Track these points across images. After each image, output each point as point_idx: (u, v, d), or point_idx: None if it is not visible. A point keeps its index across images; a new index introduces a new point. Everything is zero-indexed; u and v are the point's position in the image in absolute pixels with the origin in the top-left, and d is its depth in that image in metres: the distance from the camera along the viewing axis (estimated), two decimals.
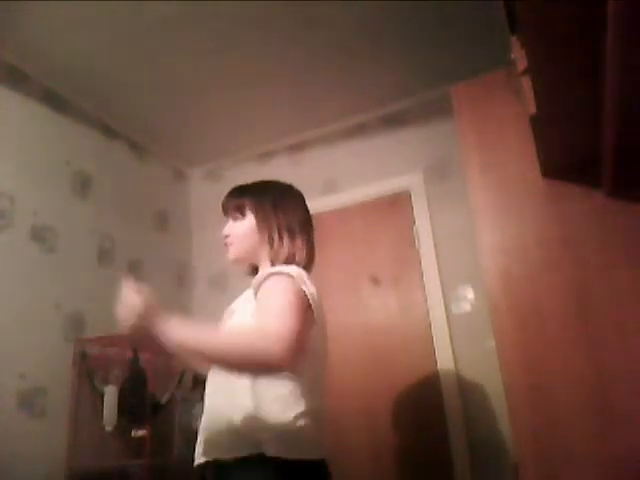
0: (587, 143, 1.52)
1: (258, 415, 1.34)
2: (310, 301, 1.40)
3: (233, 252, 1.65)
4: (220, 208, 1.70)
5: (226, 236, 1.66)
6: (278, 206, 1.61)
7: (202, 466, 1.41)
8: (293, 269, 1.43)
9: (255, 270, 1.64)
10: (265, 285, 1.40)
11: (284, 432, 1.34)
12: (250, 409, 1.35)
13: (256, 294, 1.43)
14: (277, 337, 1.20)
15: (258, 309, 1.38)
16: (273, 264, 1.53)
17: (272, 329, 1.22)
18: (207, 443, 1.42)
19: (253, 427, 1.33)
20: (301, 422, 1.36)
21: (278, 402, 1.36)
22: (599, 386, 1.53)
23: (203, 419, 1.47)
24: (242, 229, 1.63)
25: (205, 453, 1.41)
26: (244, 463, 1.31)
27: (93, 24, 2.51)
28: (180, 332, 1.23)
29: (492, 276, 1.77)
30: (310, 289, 1.41)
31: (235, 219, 1.65)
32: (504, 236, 1.79)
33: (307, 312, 1.38)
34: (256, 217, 1.61)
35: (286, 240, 1.56)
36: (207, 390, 1.50)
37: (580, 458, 1.51)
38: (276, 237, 1.57)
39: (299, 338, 1.25)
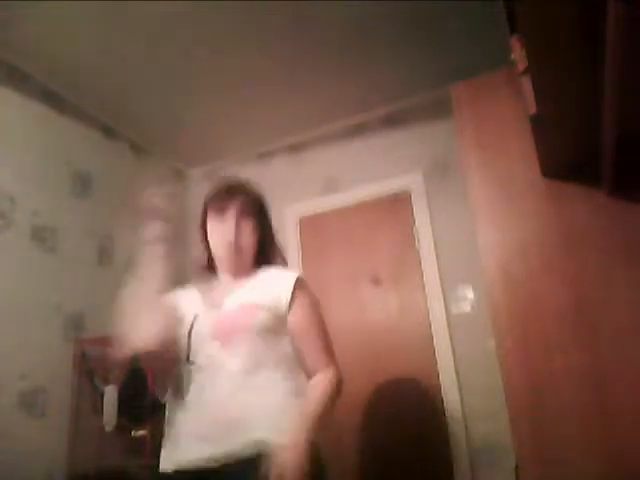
0: (587, 143, 1.51)
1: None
2: None
3: (237, 256, 1.53)
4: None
5: (233, 230, 1.52)
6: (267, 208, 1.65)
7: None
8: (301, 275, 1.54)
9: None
10: (301, 298, 1.49)
11: None
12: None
13: (289, 298, 1.46)
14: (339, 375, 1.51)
15: (312, 334, 1.48)
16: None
17: (336, 372, 1.50)
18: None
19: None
20: None
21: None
22: (599, 386, 1.53)
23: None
24: (251, 235, 1.55)
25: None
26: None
27: (93, 24, 2.51)
28: (315, 418, 1.36)
29: (492, 276, 1.76)
30: None
31: (242, 218, 1.54)
32: (504, 236, 1.79)
33: None
34: (262, 221, 1.59)
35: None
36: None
37: (581, 457, 1.51)
38: (272, 241, 1.62)
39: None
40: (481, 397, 2.70)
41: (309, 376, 1.47)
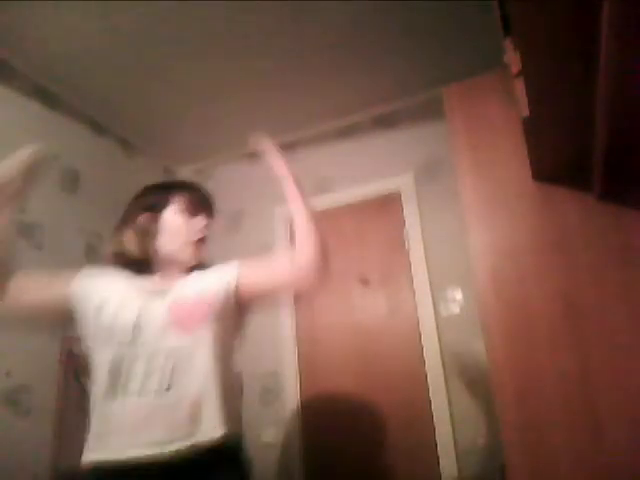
0: (578, 146, 1.52)
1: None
2: None
3: (201, 256, 1.57)
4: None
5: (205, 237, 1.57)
6: None
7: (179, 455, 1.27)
8: None
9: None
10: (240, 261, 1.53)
11: None
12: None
13: (235, 273, 1.48)
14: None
15: (265, 261, 1.52)
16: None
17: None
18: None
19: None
20: None
21: None
22: (587, 388, 1.54)
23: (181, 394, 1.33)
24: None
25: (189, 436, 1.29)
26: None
27: (84, 21, 2.49)
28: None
29: (482, 278, 1.77)
30: None
31: (207, 222, 1.58)
32: (494, 238, 1.79)
33: None
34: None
35: None
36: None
37: (568, 459, 1.51)
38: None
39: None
40: (469, 399, 2.71)
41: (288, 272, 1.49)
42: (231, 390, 1.42)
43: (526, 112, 1.38)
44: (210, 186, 3.66)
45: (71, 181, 2.96)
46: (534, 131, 1.49)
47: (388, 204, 3.22)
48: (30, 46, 2.63)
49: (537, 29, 1.10)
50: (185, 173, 3.87)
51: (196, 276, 1.50)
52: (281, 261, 1.54)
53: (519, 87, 1.35)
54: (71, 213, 2.91)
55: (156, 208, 1.54)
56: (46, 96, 2.90)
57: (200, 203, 1.58)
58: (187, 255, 1.52)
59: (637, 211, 1.60)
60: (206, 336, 1.37)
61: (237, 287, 1.45)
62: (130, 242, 1.50)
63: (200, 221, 1.55)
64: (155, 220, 1.52)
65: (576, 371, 1.57)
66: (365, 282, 3.14)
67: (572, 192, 1.71)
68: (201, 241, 1.54)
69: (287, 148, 3.60)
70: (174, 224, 1.52)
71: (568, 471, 1.51)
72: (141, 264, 1.49)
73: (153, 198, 1.57)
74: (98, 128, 3.25)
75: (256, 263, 1.52)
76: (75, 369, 2.63)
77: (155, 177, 3.68)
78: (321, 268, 1.46)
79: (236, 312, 1.47)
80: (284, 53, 2.83)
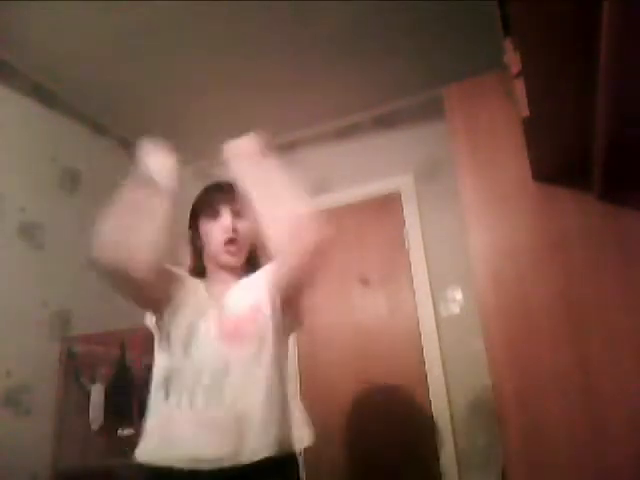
0: (578, 146, 1.52)
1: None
2: None
3: (240, 257, 1.53)
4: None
5: (234, 230, 1.50)
6: None
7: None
8: None
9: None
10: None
11: None
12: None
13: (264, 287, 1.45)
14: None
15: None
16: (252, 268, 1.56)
17: None
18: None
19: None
20: None
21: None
22: (587, 388, 1.54)
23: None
24: (248, 231, 1.53)
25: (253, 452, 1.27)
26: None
27: (83, 20, 2.49)
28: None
29: (482, 278, 1.77)
30: None
31: (238, 216, 1.53)
32: (494, 238, 1.79)
33: None
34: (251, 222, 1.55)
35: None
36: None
37: (568, 458, 1.51)
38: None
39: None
40: (469, 399, 2.71)
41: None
42: (288, 402, 1.38)
43: (526, 112, 1.38)
44: None
45: (71, 181, 2.96)
46: (534, 131, 1.49)
47: (388, 204, 3.22)
48: (30, 46, 2.63)
49: (537, 29, 1.10)
50: (185, 173, 3.86)
51: (244, 284, 1.50)
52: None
53: (519, 87, 1.34)
54: (71, 213, 2.91)
55: (192, 222, 1.60)
56: (45, 96, 2.90)
57: (218, 201, 1.56)
58: (225, 259, 1.51)
59: (637, 211, 1.60)
60: (253, 352, 1.36)
61: (274, 287, 1.42)
62: (185, 256, 1.59)
63: (224, 220, 1.52)
64: (196, 233, 1.58)
65: (576, 371, 1.56)
66: (365, 282, 3.14)
67: (572, 192, 1.71)
68: (231, 242, 1.50)
69: (287, 148, 3.62)
70: (204, 232, 1.55)
71: (568, 471, 1.51)
72: (200, 273, 1.56)
73: (192, 210, 1.63)
74: (97, 128, 3.25)
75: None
76: (75, 369, 2.63)
77: None
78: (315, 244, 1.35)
79: (283, 315, 1.44)
80: (284, 53, 2.83)
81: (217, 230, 1.52)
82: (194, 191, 1.68)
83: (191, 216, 1.62)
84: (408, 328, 2.95)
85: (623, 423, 1.48)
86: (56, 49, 2.67)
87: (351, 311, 3.12)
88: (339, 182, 3.38)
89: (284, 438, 1.31)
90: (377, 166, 3.31)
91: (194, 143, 3.63)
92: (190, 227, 1.61)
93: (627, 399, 1.49)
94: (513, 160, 1.81)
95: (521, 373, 1.63)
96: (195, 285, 1.51)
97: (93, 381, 2.60)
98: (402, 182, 3.21)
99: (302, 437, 1.36)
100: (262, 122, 3.45)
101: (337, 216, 3.31)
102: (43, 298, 2.64)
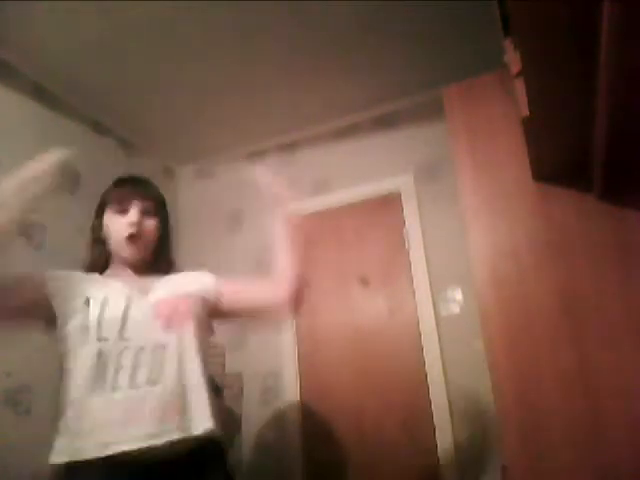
0: (578, 146, 1.52)
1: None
2: None
3: (141, 253, 1.53)
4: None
5: (137, 224, 1.50)
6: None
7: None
8: None
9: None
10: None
11: None
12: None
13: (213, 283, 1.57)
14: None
15: (248, 282, 1.62)
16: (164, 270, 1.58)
17: None
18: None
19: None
20: None
21: None
22: (587, 387, 1.54)
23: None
24: (154, 229, 1.55)
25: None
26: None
27: (83, 21, 2.48)
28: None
29: (482, 278, 1.77)
30: None
31: (146, 214, 1.53)
32: (494, 238, 1.79)
33: None
34: (162, 221, 1.59)
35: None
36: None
37: (568, 458, 1.51)
38: (170, 246, 1.64)
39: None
40: (469, 399, 2.71)
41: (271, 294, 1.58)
42: (211, 390, 1.43)
43: (526, 112, 1.39)
44: (210, 186, 3.69)
45: (71, 181, 2.96)
46: (534, 131, 1.49)
47: (388, 204, 3.22)
48: (30, 46, 2.63)
49: (537, 29, 1.10)
50: (185, 173, 3.87)
51: (175, 277, 1.56)
52: (262, 288, 1.61)
53: (519, 87, 1.35)
54: (71, 213, 2.91)
55: (99, 212, 1.60)
56: (45, 96, 2.90)
57: (127, 196, 1.54)
58: (127, 254, 1.51)
59: (637, 211, 1.60)
60: (190, 333, 1.41)
61: (217, 298, 1.53)
62: (88, 248, 1.61)
63: (131, 216, 1.51)
64: (100, 225, 1.58)
65: (576, 370, 1.57)
66: (365, 282, 3.14)
67: (572, 192, 1.71)
68: (133, 237, 1.49)
69: (287, 148, 3.62)
70: (108, 224, 1.55)
71: (568, 470, 1.51)
72: (101, 267, 1.56)
73: (101, 200, 1.63)
74: (97, 128, 3.24)
75: (237, 282, 1.60)
76: None
77: (155, 177, 3.67)
78: (298, 302, 1.57)
79: (208, 319, 1.53)
80: (284, 53, 2.83)
81: (122, 224, 1.51)
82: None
83: (99, 206, 1.61)
84: (408, 328, 2.95)
85: (623, 423, 1.48)
86: (56, 49, 2.67)
87: (351, 311, 3.12)
88: (339, 182, 3.38)
89: (215, 417, 1.35)
90: (377, 166, 3.30)
91: (194, 143, 3.64)
92: (96, 217, 1.61)
93: (627, 398, 1.49)
94: (513, 160, 1.81)
95: (521, 373, 1.63)
96: (94, 278, 1.51)
97: None
98: (402, 182, 3.21)
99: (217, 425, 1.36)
100: (262, 122, 3.46)
101: (337, 216, 3.31)
102: None
